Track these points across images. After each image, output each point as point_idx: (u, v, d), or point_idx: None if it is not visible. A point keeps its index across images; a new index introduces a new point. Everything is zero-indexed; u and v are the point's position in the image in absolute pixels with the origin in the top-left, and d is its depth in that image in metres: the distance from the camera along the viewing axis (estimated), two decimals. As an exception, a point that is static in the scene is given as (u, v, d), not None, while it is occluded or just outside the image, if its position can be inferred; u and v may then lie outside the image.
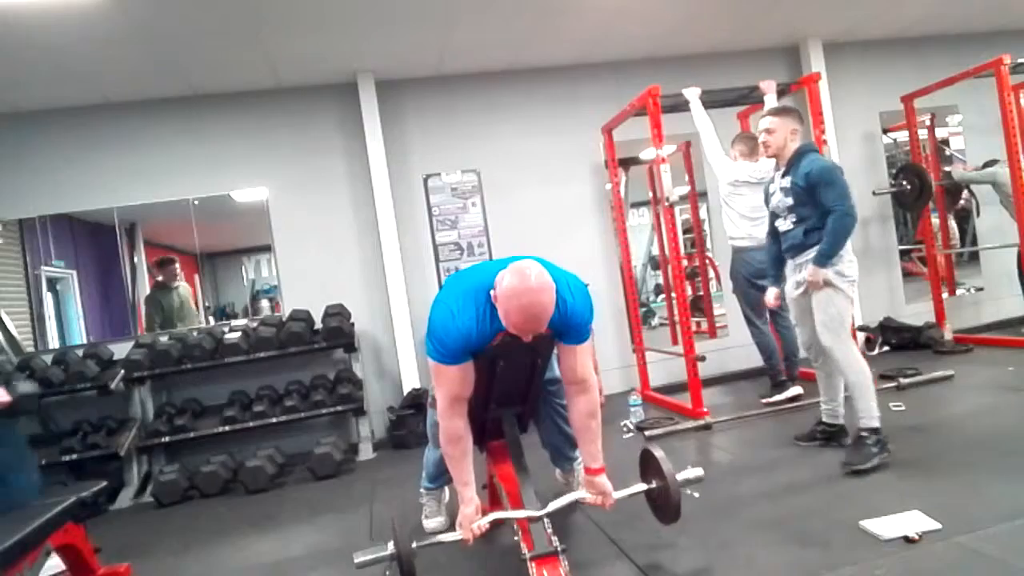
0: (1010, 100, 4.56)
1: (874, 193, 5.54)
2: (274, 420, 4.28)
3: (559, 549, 1.90)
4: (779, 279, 3.28)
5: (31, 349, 4.54)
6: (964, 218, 6.06)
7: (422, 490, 2.90)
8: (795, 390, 4.14)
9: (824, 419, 3.24)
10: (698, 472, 2.26)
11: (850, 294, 2.97)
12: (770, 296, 3.34)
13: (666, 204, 4.13)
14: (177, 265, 4.85)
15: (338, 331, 4.42)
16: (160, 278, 4.82)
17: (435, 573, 2.43)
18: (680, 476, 2.22)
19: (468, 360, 2.10)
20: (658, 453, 2.25)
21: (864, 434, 2.86)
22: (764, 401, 4.21)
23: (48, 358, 4.30)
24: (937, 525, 2.16)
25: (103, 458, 4.01)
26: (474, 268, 2.23)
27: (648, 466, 2.33)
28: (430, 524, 2.84)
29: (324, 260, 4.83)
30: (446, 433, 2.17)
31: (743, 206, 4.19)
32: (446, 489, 2.88)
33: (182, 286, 4.86)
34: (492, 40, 4.64)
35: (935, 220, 5.68)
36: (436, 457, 2.69)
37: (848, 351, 2.94)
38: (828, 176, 2.94)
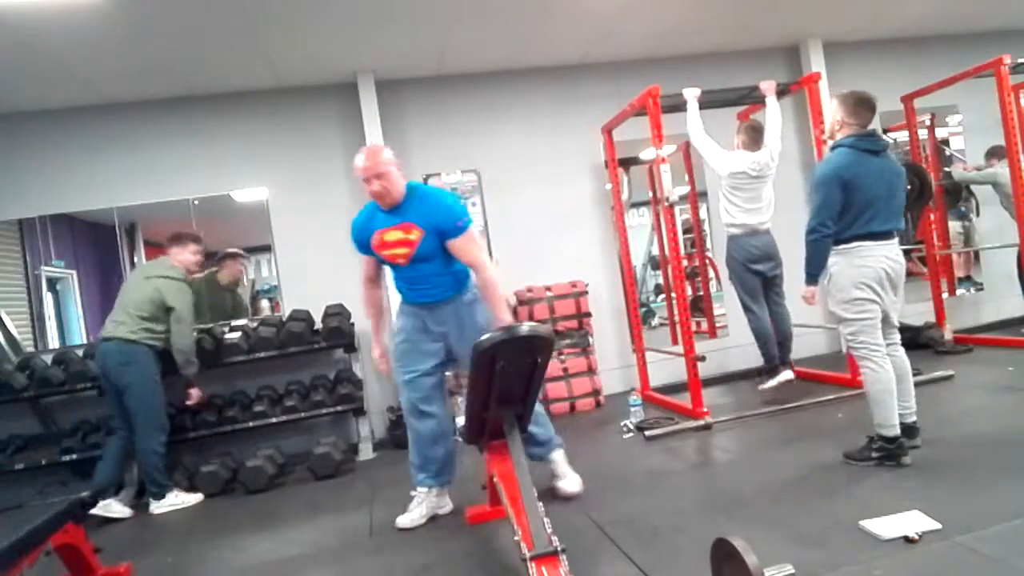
0: (1010, 100, 4.55)
1: (874, 193, 5.55)
2: (274, 420, 4.28)
3: (559, 549, 1.90)
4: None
5: (31, 349, 4.55)
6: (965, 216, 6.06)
7: (415, 486, 2.99)
8: (786, 375, 4.25)
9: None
10: (789, 570, 1.66)
11: (855, 315, 2.88)
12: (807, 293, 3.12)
13: (666, 204, 4.13)
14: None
15: (338, 331, 4.42)
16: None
17: (435, 572, 2.44)
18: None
19: (370, 254, 2.86)
20: (738, 543, 1.62)
21: (874, 437, 2.89)
22: (760, 388, 4.31)
23: (48, 358, 4.30)
24: (937, 525, 2.16)
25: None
26: None
27: (724, 563, 1.71)
28: (401, 520, 2.91)
29: (324, 260, 4.83)
30: (362, 297, 3.04)
31: (741, 197, 4.19)
32: (435, 491, 2.97)
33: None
34: (492, 40, 4.64)
35: (953, 222, 5.72)
36: (412, 440, 2.96)
37: (864, 365, 2.90)
38: (814, 184, 2.92)
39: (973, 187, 5.73)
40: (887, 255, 2.88)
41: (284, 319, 4.53)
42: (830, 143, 3.00)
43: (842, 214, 2.88)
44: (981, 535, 2.08)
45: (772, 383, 4.25)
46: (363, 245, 2.85)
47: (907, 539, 2.10)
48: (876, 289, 2.86)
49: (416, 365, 2.88)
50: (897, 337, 3.02)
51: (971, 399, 3.80)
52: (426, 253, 2.71)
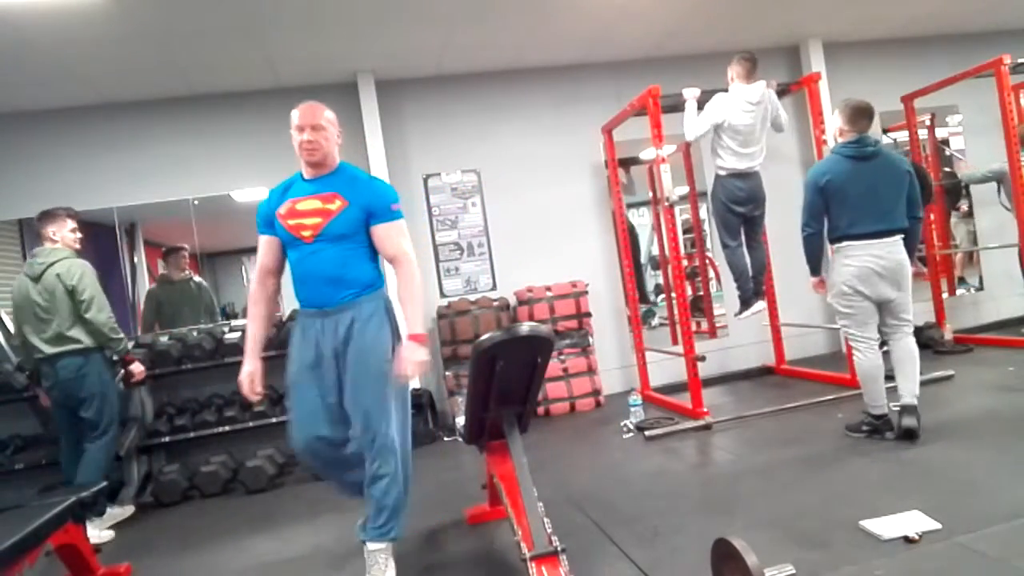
0: (1010, 100, 4.56)
1: (874, 193, 5.55)
2: (274, 420, 4.27)
3: (559, 549, 1.90)
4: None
5: (31, 349, 4.54)
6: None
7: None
8: (759, 305, 4.48)
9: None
10: (789, 570, 1.70)
11: (843, 309, 3.24)
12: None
13: (666, 204, 4.13)
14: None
15: (338, 331, 4.41)
16: (167, 272, 4.83)
17: (435, 572, 2.44)
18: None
19: (271, 231, 2.38)
20: (738, 544, 1.65)
21: (864, 415, 3.28)
22: (736, 316, 4.53)
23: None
24: (937, 525, 2.16)
25: (103, 458, 4.00)
26: None
27: (724, 563, 1.73)
28: None
29: (324, 260, 4.82)
30: (251, 295, 2.49)
31: (736, 141, 4.17)
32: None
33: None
34: (492, 40, 4.64)
35: (956, 222, 5.72)
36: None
37: (854, 353, 3.28)
38: (804, 186, 3.26)
39: (972, 187, 5.73)
40: (875, 254, 3.08)
41: (284, 319, 4.53)
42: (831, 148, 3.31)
43: (829, 216, 3.20)
44: (981, 535, 2.08)
45: (747, 313, 4.45)
46: (267, 218, 2.38)
47: (907, 539, 2.10)
48: (861, 286, 3.13)
49: (313, 416, 2.31)
50: (906, 328, 3.22)
51: (971, 399, 3.80)
52: (340, 230, 2.26)
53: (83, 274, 3.41)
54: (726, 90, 4.19)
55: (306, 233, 2.27)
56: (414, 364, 2.16)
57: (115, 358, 3.63)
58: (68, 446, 3.53)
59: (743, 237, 4.39)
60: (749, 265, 4.41)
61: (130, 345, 3.71)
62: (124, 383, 3.78)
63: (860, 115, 3.15)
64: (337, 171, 2.37)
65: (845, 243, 3.16)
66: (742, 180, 4.22)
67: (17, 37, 3.55)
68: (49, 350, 3.37)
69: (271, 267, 2.43)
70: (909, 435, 3.05)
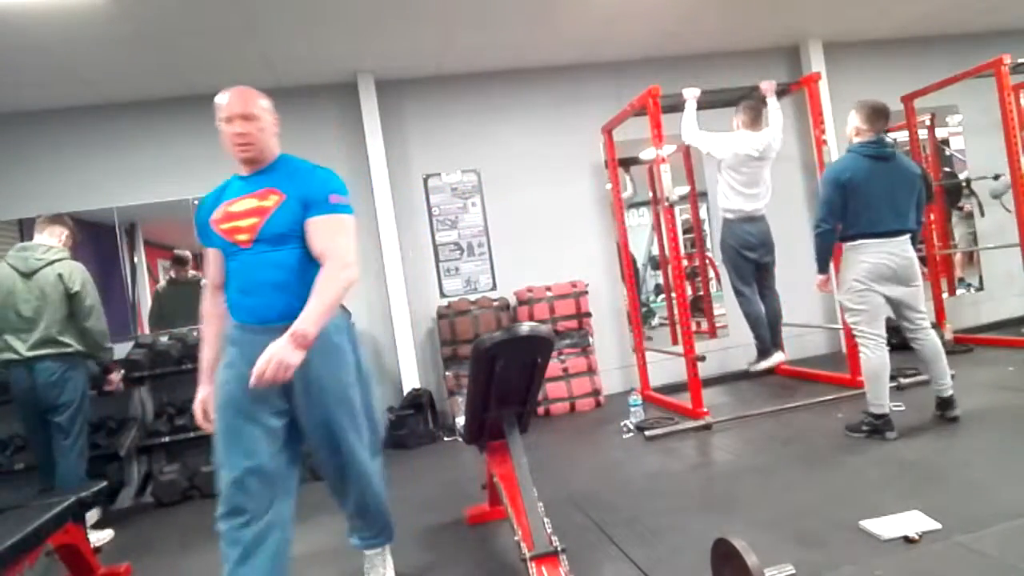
0: (1010, 100, 4.55)
1: (874, 193, 5.55)
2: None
3: (559, 549, 1.90)
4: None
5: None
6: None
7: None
8: (778, 356, 4.34)
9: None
10: (789, 570, 1.71)
11: (855, 305, 3.25)
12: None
13: (666, 204, 4.14)
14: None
15: (338, 331, 4.41)
16: (173, 275, 4.84)
17: (435, 572, 2.44)
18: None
19: (211, 241, 2.05)
20: (738, 544, 1.65)
21: (864, 415, 3.27)
22: (751, 368, 4.42)
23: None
24: (937, 525, 2.16)
25: (103, 458, 4.00)
26: None
27: (724, 563, 1.73)
28: None
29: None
30: (203, 312, 2.16)
31: (740, 180, 4.18)
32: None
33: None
34: (492, 40, 4.63)
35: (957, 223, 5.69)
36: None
37: (862, 350, 3.30)
38: (820, 184, 3.25)
39: (972, 186, 5.72)
40: (890, 251, 3.16)
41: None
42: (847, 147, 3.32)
43: (845, 214, 3.20)
44: (981, 535, 2.08)
45: (763, 365, 4.35)
46: (203, 229, 2.07)
47: (907, 539, 2.11)
48: (875, 283, 3.17)
49: (242, 450, 1.90)
50: (924, 322, 3.31)
51: (971, 399, 3.79)
52: (279, 229, 1.93)
53: (85, 280, 3.29)
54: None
55: (242, 237, 1.95)
56: (276, 363, 1.73)
57: (97, 366, 3.48)
58: (43, 452, 3.32)
59: (755, 284, 4.30)
60: (764, 314, 4.31)
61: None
62: (99, 390, 3.61)
63: (878, 115, 3.22)
64: (276, 164, 2.08)
65: (860, 241, 3.20)
66: (751, 224, 4.19)
67: (18, 37, 3.55)
68: (28, 352, 3.16)
69: (220, 282, 2.09)
70: (953, 420, 3.27)
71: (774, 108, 4.27)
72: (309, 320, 1.79)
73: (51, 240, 3.34)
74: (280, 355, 1.74)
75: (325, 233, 1.94)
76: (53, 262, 3.24)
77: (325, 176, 2.05)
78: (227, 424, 1.92)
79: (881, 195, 3.15)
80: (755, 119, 4.20)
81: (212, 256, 2.10)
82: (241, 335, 1.97)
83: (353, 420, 2.06)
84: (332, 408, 2.00)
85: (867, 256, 3.17)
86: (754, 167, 4.16)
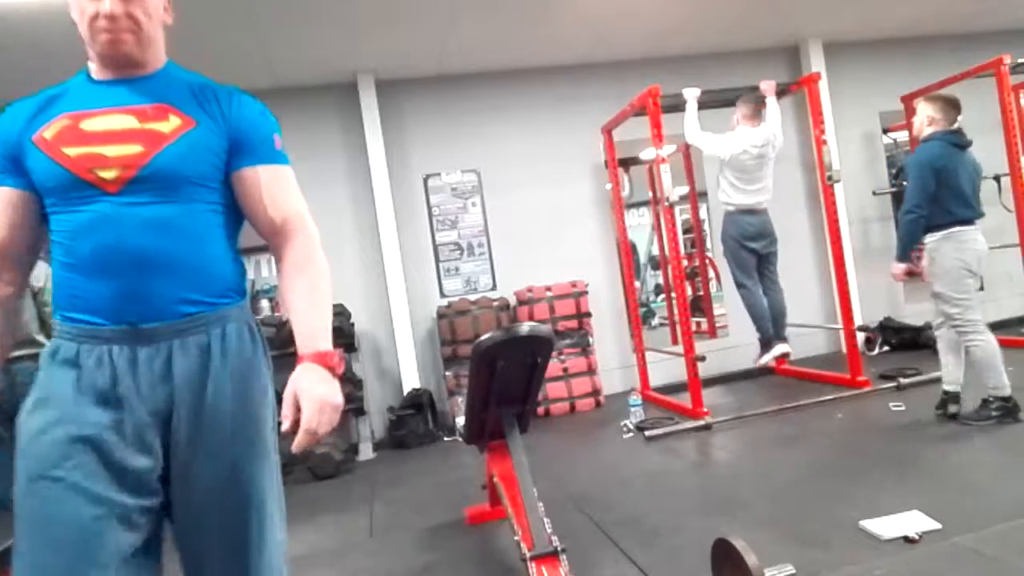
0: (1010, 100, 4.56)
1: (874, 193, 5.56)
2: (274, 420, 4.27)
3: (559, 549, 1.90)
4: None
5: (31, 349, 4.52)
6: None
7: None
8: (781, 348, 4.29)
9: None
10: (789, 570, 1.74)
11: (959, 295, 3.14)
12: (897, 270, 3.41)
13: (666, 204, 4.14)
14: None
15: (338, 331, 4.41)
16: None
17: (435, 572, 2.44)
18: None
19: (14, 184, 1.22)
20: (738, 544, 1.66)
21: (990, 399, 3.17)
22: (756, 363, 4.40)
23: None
24: (937, 525, 2.16)
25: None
26: None
27: (724, 563, 1.74)
28: None
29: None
30: None
31: (741, 178, 4.19)
32: None
33: None
34: (492, 40, 4.63)
35: None
36: None
37: (972, 340, 3.17)
38: (912, 170, 3.23)
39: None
40: (975, 238, 3.21)
41: (284, 319, 4.53)
42: (926, 132, 3.29)
43: (938, 200, 3.18)
44: (981, 535, 2.08)
45: (767, 357, 4.33)
46: (5, 153, 1.25)
47: (907, 539, 2.11)
48: (975, 270, 3.19)
49: (75, 558, 1.06)
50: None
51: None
52: (179, 170, 1.20)
53: (49, 275, 3.23)
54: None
55: (107, 174, 1.15)
56: (331, 408, 1.21)
57: None
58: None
59: (757, 276, 4.31)
60: (767, 306, 4.30)
61: None
62: None
63: (952, 106, 3.27)
64: (165, 73, 1.37)
65: (957, 228, 3.17)
66: (751, 215, 4.20)
67: (19, 37, 3.55)
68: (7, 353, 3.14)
69: (9, 247, 1.22)
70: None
71: (772, 105, 4.28)
72: (321, 331, 1.31)
73: None
74: (324, 395, 1.19)
75: (279, 193, 1.31)
76: None
77: (260, 108, 1.41)
78: (47, 511, 1.08)
79: (966, 182, 3.21)
80: (755, 113, 4.21)
81: (6, 203, 1.21)
82: (81, 344, 1.16)
83: (273, 486, 1.36)
84: (243, 466, 1.27)
85: (967, 243, 3.17)
86: (755, 165, 4.17)
